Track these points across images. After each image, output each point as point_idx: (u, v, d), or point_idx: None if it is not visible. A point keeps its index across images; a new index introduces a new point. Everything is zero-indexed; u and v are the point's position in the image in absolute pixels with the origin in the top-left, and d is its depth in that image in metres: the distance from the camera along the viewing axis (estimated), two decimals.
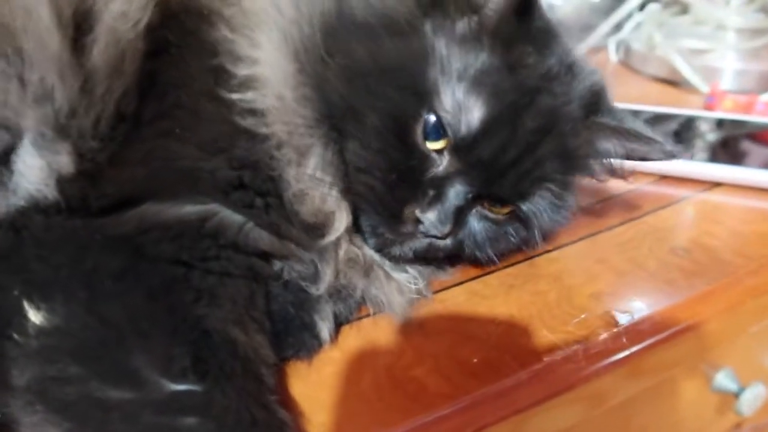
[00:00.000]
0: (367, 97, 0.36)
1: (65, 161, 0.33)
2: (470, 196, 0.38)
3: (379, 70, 0.36)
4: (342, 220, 0.37)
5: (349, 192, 0.37)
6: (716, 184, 0.58)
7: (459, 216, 0.38)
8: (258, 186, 0.35)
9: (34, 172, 0.32)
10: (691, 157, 0.61)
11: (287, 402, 0.34)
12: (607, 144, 0.42)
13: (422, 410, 0.35)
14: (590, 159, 0.42)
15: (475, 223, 0.40)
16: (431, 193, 0.37)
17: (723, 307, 0.44)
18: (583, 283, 0.45)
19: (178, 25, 0.38)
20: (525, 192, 0.39)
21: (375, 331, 0.40)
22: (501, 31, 0.37)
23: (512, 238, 0.41)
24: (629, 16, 0.92)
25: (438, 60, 0.36)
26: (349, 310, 0.40)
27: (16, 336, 0.30)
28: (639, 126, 0.42)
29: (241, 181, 0.35)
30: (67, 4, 0.34)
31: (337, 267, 0.38)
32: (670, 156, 0.42)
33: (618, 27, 0.93)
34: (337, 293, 0.39)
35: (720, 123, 0.68)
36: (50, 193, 0.32)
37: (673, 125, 0.69)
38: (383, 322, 0.41)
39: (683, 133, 0.68)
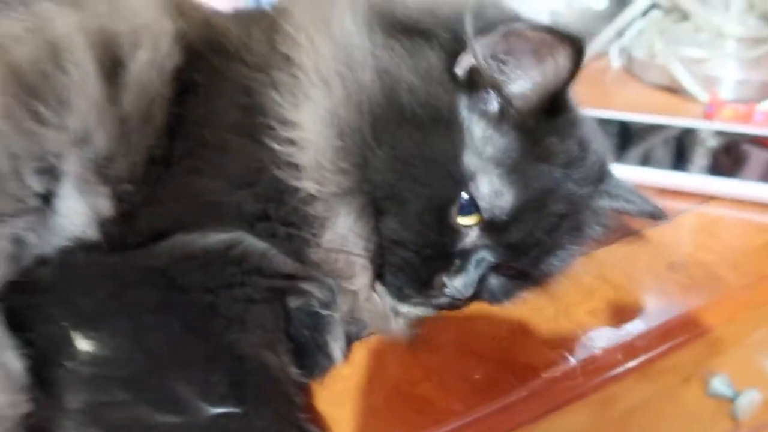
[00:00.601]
0: (411, 184, 0.38)
1: (105, 205, 0.35)
2: (492, 265, 0.41)
3: (423, 161, 0.38)
4: (362, 279, 0.39)
5: (375, 259, 0.40)
6: (713, 197, 0.60)
7: (481, 281, 0.41)
8: (282, 218, 0.38)
9: (78, 215, 0.35)
10: (689, 169, 0.63)
11: (314, 419, 0.37)
12: (607, 206, 0.46)
13: (429, 424, 0.37)
14: (596, 226, 0.45)
15: (492, 280, 0.43)
16: (458, 262, 0.40)
17: (717, 321, 0.46)
18: (581, 299, 0.46)
19: (204, 65, 0.40)
20: (541, 263, 0.42)
21: (383, 348, 0.42)
22: (531, 126, 0.40)
23: (523, 287, 0.45)
24: (631, 23, 0.93)
25: (475, 147, 0.39)
26: (359, 329, 0.42)
27: (67, 364, 0.32)
28: (633, 192, 0.47)
29: (266, 213, 0.37)
30: (103, 53, 0.36)
31: (355, 302, 0.40)
32: (660, 217, 0.47)
33: (620, 34, 0.94)
34: (349, 315, 0.41)
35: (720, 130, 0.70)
36: (92, 233, 0.35)
37: (672, 133, 0.71)
38: (386, 341, 0.43)
39: (683, 141, 0.70)
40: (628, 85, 0.90)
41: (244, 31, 0.42)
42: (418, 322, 0.43)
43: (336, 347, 0.40)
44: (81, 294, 0.34)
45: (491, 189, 0.39)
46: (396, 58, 0.39)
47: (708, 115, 0.75)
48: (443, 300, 0.42)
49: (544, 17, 0.93)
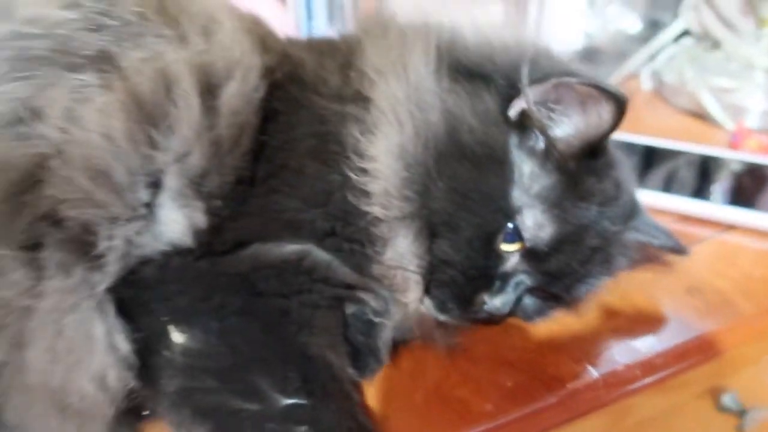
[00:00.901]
0: (465, 213, 0.43)
1: (199, 217, 0.40)
2: (527, 289, 0.46)
3: (478, 193, 0.43)
4: (414, 293, 0.44)
5: (426, 276, 0.44)
6: (733, 226, 0.63)
7: (517, 301, 0.46)
8: (347, 235, 0.43)
9: (176, 224, 0.39)
10: (711, 197, 0.66)
11: (368, 413, 0.42)
12: (634, 239, 0.50)
13: (465, 426, 0.42)
14: (623, 258, 0.49)
15: (527, 300, 0.48)
16: (498, 284, 0.45)
17: (729, 346, 0.50)
18: (605, 319, 0.51)
19: (284, 95, 0.45)
20: (573, 289, 0.47)
21: (426, 353, 0.47)
22: (573, 167, 0.44)
23: (553, 308, 0.49)
24: (663, 48, 0.96)
25: (523, 183, 0.43)
26: (404, 334, 0.47)
27: (164, 352, 0.38)
28: (658, 228, 0.52)
29: (334, 230, 0.42)
30: (203, 85, 0.41)
31: (405, 312, 0.45)
32: (681, 252, 0.53)
33: (652, 57, 0.97)
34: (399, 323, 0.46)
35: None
36: (187, 240, 0.40)
37: (696, 159, 0.74)
38: (433, 347, 0.48)
39: (707, 167, 0.73)
40: (657, 108, 0.93)
41: (318, 63, 0.47)
42: (457, 333, 0.48)
43: (384, 350, 0.45)
44: (177, 293, 0.39)
45: (535, 222, 0.43)
46: (459, 101, 0.44)
47: (733, 144, 0.79)
48: (482, 315, 0.46)
49: (578, 39, 0.98)
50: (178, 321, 0.39)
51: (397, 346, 0.47)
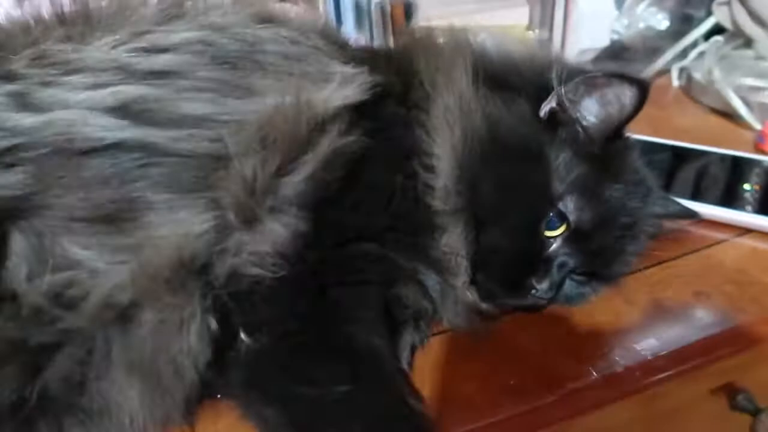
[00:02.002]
0: (513, 203, 0.49)
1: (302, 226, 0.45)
2: (570, 270, 0.51)
3: (522, 186, 0.49)
4: (463, 277, 0.50)
5: (472, 263, 0.49)
6: (748, 230, 0.64)
7: (560, 284, 0.51)
8: (404, 228, 0.48)
9: (277, 234, 0.44)
10: (734, 200, 0.66)
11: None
12: (651, 212, 0.55)
13: (469, 420, 0.46)
14: (647, 233, 0.55)
15: (566, 285, 0.52)
16: (543, 268, 0.49)
17: (734, 350, 0.52)
18: (610, 321, 0.53)
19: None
20: (612, 266, 0.53)
21: (434, 352, 0.51)
22: (601, 152, 0.50)
23: (590, 290, 0.54)
24: (694, 45, 0.95)
25: (560, 173, 0.49)
26: (421, 339, 0.51)
27: (232, 351, 0.44)
28: (667, 198, 0.59)
29: (393, 226, 0.48)
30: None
31: (454, 295, 0.50)
32: (691, 216, 0.60)
33: (683, 54, 0.97)
34: (416, 324, 0.50)
35: None
36: (283, 249, 0.44)
37: (720, 159, 0.74)
38: (442, 345, 0.52)
39: (732, 169, 0.72)
40: (686, 106, 0.93)
41: (381, 71, 0.52)
42: (490, 322, 0.52)
43: (403, 356, 0.49)
44: (257, 302, 0.44)
45: (576, 206, 0.49)
46: (497, 107, 0.50)
47: (758, 145, 0.78)
48: (527, 302, 0.51)
49: (605, 37, 0.98)
50: (247, 324, 0.44)
51: (415, 349, 0.51)
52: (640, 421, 0.55)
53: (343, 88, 0.49)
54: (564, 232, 0.50)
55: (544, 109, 0.50)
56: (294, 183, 0.45)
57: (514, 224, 0.49)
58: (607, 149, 0.50)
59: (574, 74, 0.49)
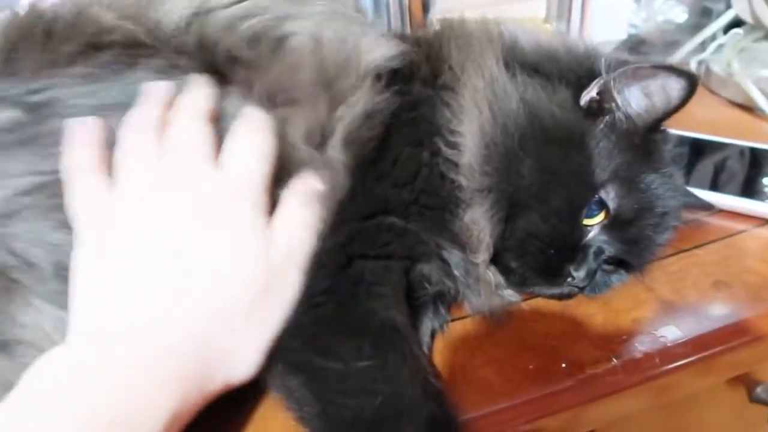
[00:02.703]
0: (555, 187, 0.49)
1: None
2: (604, 259, 0.52)
3: (565, 171, 0.49)
4: (484, 255, 0.50)
5: (495, 243, 0.50)
6: (767, 221, 0.64)
7: (596, 272, 0.51)
8: (428, 203, 0.49)
9: None
10: (754, 191, 0.66)
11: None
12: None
13: (487, 403, 0.46)
14: (676, 224, 0.55)
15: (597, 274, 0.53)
16: (580, 255, 0.50)
17: (752, 338, 0.52)
18: (629, 308, 0.53)
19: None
20: (646, 255, 0.54)
21: (454, 336, 0.52)
22: (643, 142, 0.51)
23: (615, 281, 0.55)
24: (713, 38, 0.95)
25: (603, 161, 0.50)
26: (441, 324, 0.52)
27: None
28: (688, 191, 0.60)
29: (417, 200, 0.49)
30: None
31: (474, 272, 0.50)
32: (709, 208, 0.61)
33: (702, 47, 0.96)
34: (435, 309, 0.51)
35: None
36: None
37: (739, 151, 0.74)
38: (461, 329, 0.52)
39: (751, 160, 0.72)
40: (705, 98, 0.92)
41: (408, 54, 0.54)
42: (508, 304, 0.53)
43: (423, 340, 0.50)
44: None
45: (617, 194, 0.50)
46: (536, 93, 0.51)
47: None
48: (563, 290, 0.52)
49: (623, 30, 0.98)
50: None
51: (435, 335, 0.51)
52: (657, 410, 0.55)
53: (382, 47, 0.51)
54: (603, 220, 0.50)
55: (585, 97, 0.51)
56: (331, 145, 0.47)
57: (554, 209, 0.49)
58: (647, 139, 0.51)
59: (620, 64, 0.49)
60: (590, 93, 0.51)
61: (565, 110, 0.50)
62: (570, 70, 0.52)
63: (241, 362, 0.42)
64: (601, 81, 0.50)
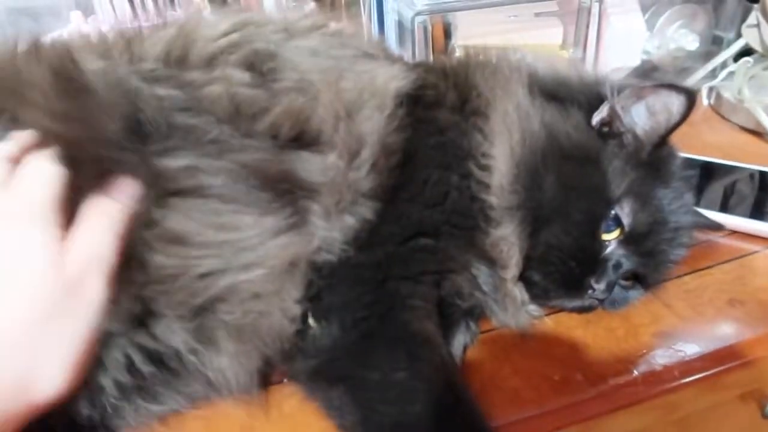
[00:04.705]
0: (575, 201, 0.52)
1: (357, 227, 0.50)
2: (622, 273, 0.54)
3: (583, 187, 0.53)
4: (513, 271, 0.53)
5: (524, 260, 0.53)
6: None
7: (614, 285, 0.54)
8: (458, 223, 0.52)
9: (344, 233, 0.50)
10: (764, 213, 0.69)
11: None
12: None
13: (515, 411, 0.48)
14: (688, 239, 0.58)
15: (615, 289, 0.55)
16: (600, 268, 0.53)
17: (767, 353, 0.54)
18: (648, 323, 0.56)
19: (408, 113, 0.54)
20: (661, 269, 0.56)
21: (484, 349, 0.54)
22: (652, 158, 0.54)
23: (632, 296, 0.57)
24: (723, 65, 0.98)
25: (617, 178, 0.52)
26: (472, 338, 0.55)
27: (300, 340, 0.48)
28: (698, 210, 0.62)
29: (449, 221, 0.52)
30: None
31: (503, 287, 0.53)
32: (718, 228, 0.64)
33: (713, 73, 1.00)
34: (467, 325, 0.54)
35: None
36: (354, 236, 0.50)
37: (750, 175, 0.76)
38: (491, 342, 0.55)
39: (761, 184, 0.75)
40: (716, 123, 0.95)
41: (434, 83, 0.58)
42: (533, 320, 0.55)
43: (458, 353, 0.53)
44: (325, 288, 0.49)
45: (631, 209, 0.52)
46: (553, 115, 0.54)
47: None
48: (584, 302, 0.54)
49: (636, 57, 1.01)
50: (317, 312, 0.48)
51: (466, 347, 0.54)
52: (671, 425, 0.57)
53: (398, 77, 0.55)
54: (619, 235, 0.53)
55: (596, 118, 0.54)
56: (361, 176, 0.50)
57: (575, 222, 0.52)
58: (655, 156, 0.54)
59: (624, 87, 0.53)
60: (600, 114, 0.54)
61: (579, 131, 0.54)
62: (581, 94, 0.56)
63: (44, 381, 0.39)
64: (609, 103, 0.53)
